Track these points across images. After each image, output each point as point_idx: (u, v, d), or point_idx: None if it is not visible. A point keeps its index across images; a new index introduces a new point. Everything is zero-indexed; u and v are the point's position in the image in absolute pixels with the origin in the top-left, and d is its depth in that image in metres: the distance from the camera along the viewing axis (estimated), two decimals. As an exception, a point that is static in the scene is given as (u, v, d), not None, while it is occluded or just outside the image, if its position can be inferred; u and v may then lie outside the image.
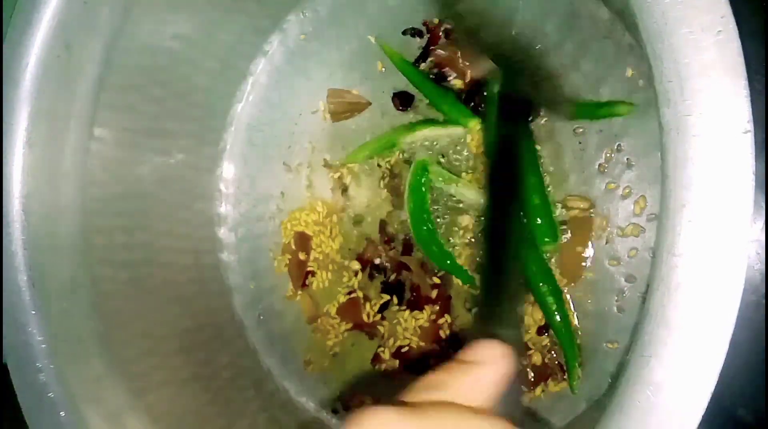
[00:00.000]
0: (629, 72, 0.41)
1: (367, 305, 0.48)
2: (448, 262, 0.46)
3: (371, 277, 0.49)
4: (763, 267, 0.36)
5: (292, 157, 0.52)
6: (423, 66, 0.47)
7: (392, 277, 0.48)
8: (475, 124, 0.45)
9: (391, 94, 0.48)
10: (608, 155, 0.42)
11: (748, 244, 0.36)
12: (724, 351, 0.24)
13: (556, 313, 0.42)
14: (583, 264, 0.43)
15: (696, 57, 0.23)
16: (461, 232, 0.46)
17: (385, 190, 0.49)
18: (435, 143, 0.47)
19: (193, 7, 0.46)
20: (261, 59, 0.53)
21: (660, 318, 0.24)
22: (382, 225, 0.48)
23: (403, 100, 0.48)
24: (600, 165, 0.43)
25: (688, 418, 0.24)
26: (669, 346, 0.24)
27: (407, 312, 0.47)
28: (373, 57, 0.49)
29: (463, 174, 0.46)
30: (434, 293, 0.47)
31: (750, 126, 0.23)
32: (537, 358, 0.44)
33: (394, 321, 0.48)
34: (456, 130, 0.46)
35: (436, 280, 0.47)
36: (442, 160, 0.47)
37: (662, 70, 0.24)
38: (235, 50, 0.52)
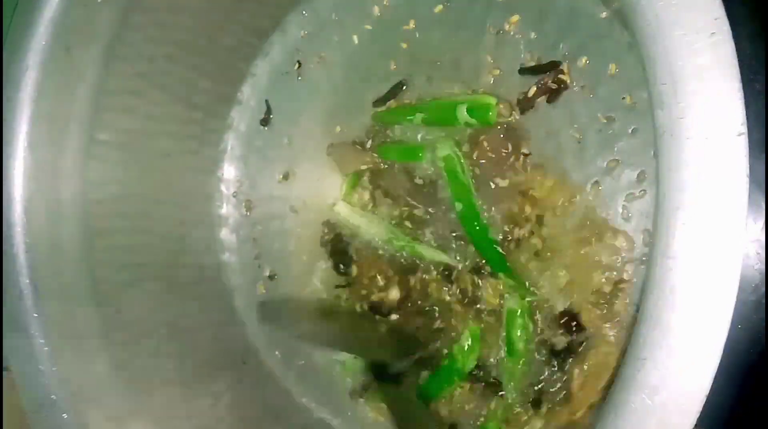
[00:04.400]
0: (628, 72, 0.41)
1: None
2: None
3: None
4: (763, 267, 0.36)
5: (292, 157, 0.52)
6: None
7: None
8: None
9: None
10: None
11: (748, 243, 0.36)
12: (719, 353, 0.24)
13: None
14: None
15: (690, 59, 0.23)
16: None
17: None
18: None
19: (193, 9, 0.47)
20: (261, 60, 0.53)
21: (655, 320, 0.24)
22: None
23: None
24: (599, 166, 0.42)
25: (684, 420, 0.24)
26: (664, 348, 0.24)
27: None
28: (373, 57, 0.49)
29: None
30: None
31: (744, 128, 0.23)
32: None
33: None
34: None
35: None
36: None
37: (656, 72, 0.24)
38: (235, 52, 0.52)
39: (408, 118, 0.47)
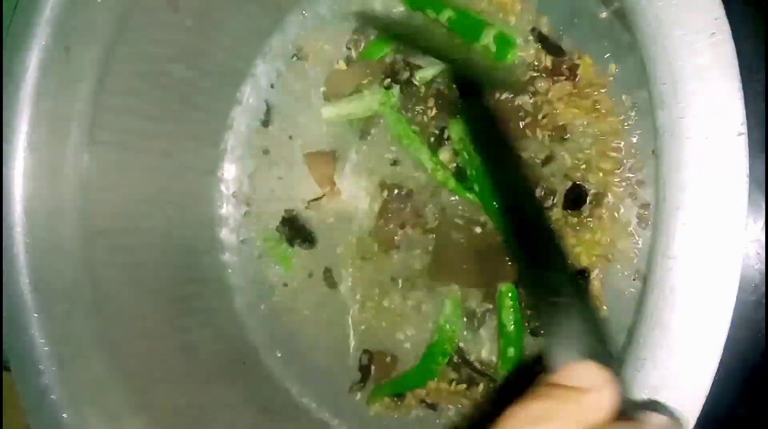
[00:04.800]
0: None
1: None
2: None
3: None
4: (763, 267, 0.36)
5: (291, 157, 0.52)
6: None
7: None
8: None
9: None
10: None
11: (748, 243, 0.36)
12: (719, 353, 0.24)
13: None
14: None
15: (690, 59, 0.23)
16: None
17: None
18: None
19: (193, 9, 0.47)
20: (261, 61, 0.53)
21: (655, 320, 0.24)
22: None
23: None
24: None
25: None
26: (664, 348, 0.24)
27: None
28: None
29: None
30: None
31: (744, 128, 0.23)
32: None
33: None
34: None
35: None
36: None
37: (656, 72, 0.24)
38: (235, 52, 0.52)
39: (436, 10, 0.45)
